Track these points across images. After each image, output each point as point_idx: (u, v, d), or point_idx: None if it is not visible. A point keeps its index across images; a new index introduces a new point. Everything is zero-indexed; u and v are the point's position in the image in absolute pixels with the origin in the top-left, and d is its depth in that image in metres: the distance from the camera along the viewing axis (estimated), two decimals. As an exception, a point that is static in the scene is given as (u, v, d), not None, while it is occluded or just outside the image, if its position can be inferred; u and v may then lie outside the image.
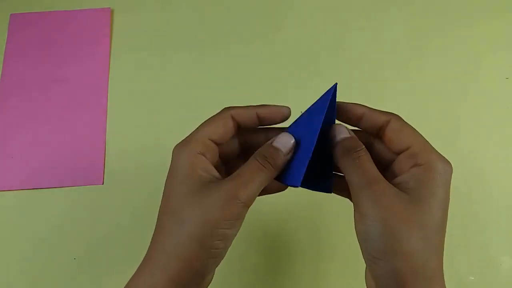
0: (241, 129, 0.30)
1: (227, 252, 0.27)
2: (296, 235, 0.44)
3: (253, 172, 0.27)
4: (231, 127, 0.29)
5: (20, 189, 0.47)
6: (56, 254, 0.44)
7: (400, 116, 0.29)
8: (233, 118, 0.29)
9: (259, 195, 0.27)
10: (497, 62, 0.51)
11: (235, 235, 0.27)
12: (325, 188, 0.30)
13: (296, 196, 0.45)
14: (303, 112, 0.31)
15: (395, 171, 0.28)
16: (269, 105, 0.30)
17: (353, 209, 0.27)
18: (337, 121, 0.30)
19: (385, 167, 0.30)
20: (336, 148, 0.28)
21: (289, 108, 0.30)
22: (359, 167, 0.26)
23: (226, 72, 0.52)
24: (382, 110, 0.29)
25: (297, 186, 0.27)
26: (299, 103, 0.34)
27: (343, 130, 0.28)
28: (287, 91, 0.50)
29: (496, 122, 0.49)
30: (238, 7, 0.55)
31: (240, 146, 0.32)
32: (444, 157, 0.27)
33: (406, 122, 0.28)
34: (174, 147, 0.28)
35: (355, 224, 0.26)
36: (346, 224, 0.44)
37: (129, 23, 0.55)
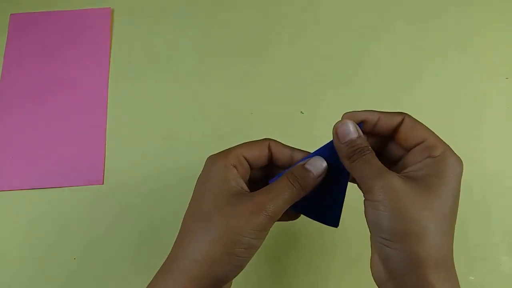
0: (273, 162, 0.31)
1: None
2: (296, 235, 0.44)
3: (283, 189, 0.28)
4: (266, 154, 0.31)
5: (20, 189, 0.47)
6: (56, 254, 0.44)
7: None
8: (269, 148, 0.31)
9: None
10: (497, 62, 0.51)
11: (259, 246, 0.27)
12: (333, 221, 0.31)
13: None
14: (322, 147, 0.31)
15: (406, 163, 0.29)
16: (304, 151, 0.31)
17: (362, 199, 0.27)
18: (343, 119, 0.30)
19: (394, 163, 0.30)
20: (343, 148, 0.28)
21: (326, 163, 0.30)
22: (366, 162, 0.27)
23: (228, 73, 0.52)
24: (392, 112, 0.30)
25: (335, 227, 0.31)
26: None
27: (350, 129, 0.28)
28: (287, 88, 0.50)
29: (496, 122, 0.49)
30: (240, 8, 0.55)
31: (265, 178, 0.33)
32: (456, 154, 0.27)
33: (417, 120, 0.29)
34: (209, 157, 0.30)
35: (365, 211, 0.27)
36: (346, 224, 0.44)
37: (129, 23, 0.55)
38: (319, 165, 0.29)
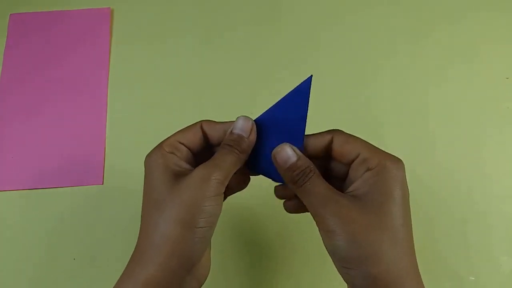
0: (210, 142, 0.31)
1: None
2: (296, 235, 0.44)
3: (223, 157, 0.28)
4: (200, 136, 0.30)
5: (20, 189, 0.47)
6: (56, 254, 0.44)
7: (343, 130, 0.29)
8: (202, 129, 0.31)
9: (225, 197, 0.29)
10: (497, 62, 0.51)
11: (217, 214, 0.27)
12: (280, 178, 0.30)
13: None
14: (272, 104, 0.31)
15: (350, 179, 0.29)
16: (234, 121, 0.31)
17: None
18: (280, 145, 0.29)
19: (342, 179, 0.30)
20: (286, 174, 0.28)
21: (254, 122, 0.30)
22: (311, 188, 0.27)
23: (226, 73, 0.52)
24: (321, 132, 0.29)
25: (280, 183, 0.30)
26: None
27: (288, 153, 0.28)
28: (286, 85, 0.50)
29: (496, 122, 0.48)
30: (241, 9, 0.55)
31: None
32: (393, 156, 0.27)
33: (349, 134, 0.29)
34: (145, 157, 0.30)
35: (322, 239, 0.27)
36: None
37: (129, 22, 0.55)
38: (245, 124, 0.29)
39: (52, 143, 0.49)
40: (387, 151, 0.28)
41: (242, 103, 0.50)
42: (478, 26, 0.53)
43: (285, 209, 0.32)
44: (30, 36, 0.54)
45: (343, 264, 0.26)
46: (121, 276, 0.28)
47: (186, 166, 0.29)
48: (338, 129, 0.29)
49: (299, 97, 0.29)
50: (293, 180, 0.27)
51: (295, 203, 0.31)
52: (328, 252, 0.27)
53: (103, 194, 0.46)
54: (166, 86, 0.51)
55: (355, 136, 0.29)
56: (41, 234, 0.45)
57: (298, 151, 0.28)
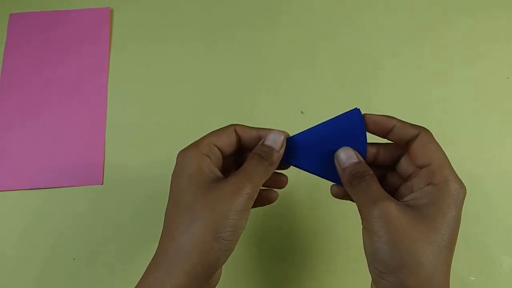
0: (242, 146, 0.32)
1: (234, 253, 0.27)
2: (296, 236, 0.44)
3: (254, 168, 0.29)
4: (234, 140, 0.31)
5: (20, 189, 0.47)
6: (56, 254, 0.44)
7: (430, 131, 0.29)
8: (236, 132, 0.31)
9: (252, 207, 0.29)
10: (497, 62, 0.51)
11: (243, 227, 0.28)
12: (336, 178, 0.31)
13: (297, 196, 0.45)
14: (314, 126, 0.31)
15: (412, 187, 0.29)
16: (269, 129, 0.32)
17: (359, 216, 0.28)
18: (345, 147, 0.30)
19: (393, 191, 0.31)
20: (344, 173, 0.29)
21: (288, 134, 0.32)
22: (365, 188, 0.28)
23: (226, 73, 0.52)
24: (412, 123, 0.30)
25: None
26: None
27: (351, 154, 0.30)
28: (287, 88, 0.50)
29: (497, 122, 0.48)
30: (241, 10, 0.55)
31: (237, 163, 0.34)
32: (460, 179, 0.27)
33: (433, 138, 0.29)
34: (179, 152, 0.30)
35: (363, 240, 0.27)
36: (347, 224, 0.44)
37: (129, 22, 0.55)
38: (277, 138, 0.30)
39: (52, 143, 0.48)
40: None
41: (242, 104, 0.50)
42: (478, 27, 0.53)
43: (333, 193, 0.33)
44: (30, 36, 0.54)
45: (380, 268, 0.26)
46: (143, 280, 0.28)
47: (217, 173, 0.30)
48: (425, 128, 0.29)
49: (353, 124, 0.30)
50: (349, 179, 0.29)
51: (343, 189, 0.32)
52: (366, 254, 0.27)
53: (103, 194, 0.46)
54: (166, 86, 0.51)
55: (436, 142, 0.29)
56: (41, 234, 0.45)
57: (359, 155, 0.30)
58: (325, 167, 0.31)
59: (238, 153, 0.33)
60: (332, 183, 0.32)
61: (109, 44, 0.53)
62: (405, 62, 0.52)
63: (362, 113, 0.30)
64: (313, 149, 0.31)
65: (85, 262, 0.44)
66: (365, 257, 0.27)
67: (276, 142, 0.30)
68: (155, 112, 0.50)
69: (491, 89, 0.50)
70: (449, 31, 0.53)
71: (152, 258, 0.28)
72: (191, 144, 0.30)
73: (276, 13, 0.55)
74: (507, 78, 0.51)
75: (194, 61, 0.52)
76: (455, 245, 0.26)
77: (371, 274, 0.27)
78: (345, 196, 0.32)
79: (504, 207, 0.45)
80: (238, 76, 0.52)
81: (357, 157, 0.29)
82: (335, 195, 0.33)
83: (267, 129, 0.31)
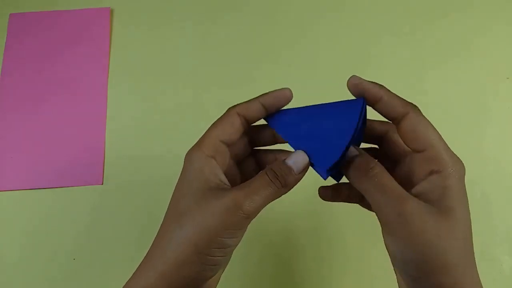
0: (249, 126, 0.30)
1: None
2: (297, 236, 0.44)
3: (261, 186, 0.26)
4: (239, 125, 0.28)
5: (20, 189, 0.47)
6: (56, 254, 0.44)
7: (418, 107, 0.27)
8: (239, 115, 0.28)
9: None
10: (497, 62, 0.51)
11: (236, 245, 0.26)
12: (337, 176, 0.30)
13: (298, 196, 0.45)
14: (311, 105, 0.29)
15: (412, 176, 0.27)
16: (270, 92, 0.29)
17: (377, 223, 0.26)
18: None
19: (397, 161, 0.29)
20: (349, 170, 0.27)
21: (290, 89, 0.29)
22: (379, 186, 0.25)
23: (228, 74, 0.52)
24: (400, 98, 0.28)
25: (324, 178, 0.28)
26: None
27: (351, 149, 0.27)
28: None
29: (497, 122, 0.48)
30: (242, 11, 0.55)
31: (250, 145, 0.31)
32: (456, 157, 0.26)
33: (423, 116, 0.27)
34: (187, 152, 0.28)
35: (386, 246, 0.26)
36: (348, 224, 0.44)
37: (128, 22, 0.55)
38: (300, 160, 0.27)
39: (52, 143, 0.48)
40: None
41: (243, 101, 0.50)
42: (478, 26, 0.53)
43: (321, 195, 0.32)
44: (30, 36, 0.54)
45: (410, 271, 0.25)
46: (126, 283, 0.27)
47: (221, 176, 0.27)
48: (415, 106, 0.27)
49: (351, 111, 0.28)
50: (358, 173, 0.26)
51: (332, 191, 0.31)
52: (391, 258, 0.26)
53: (103, 194, 0.46)
54: (166, 86, 0.51)
55: (426, 121, 0.27)
56: (41, 234, 0.45)
57: (360, 150, 0.27)
58: (308, 144, 0.27)
59: (247, 132, 0.30)
60: (320, 186, 0.31)
61: (109, 44, 0.53)
62: (403, 63, 0.52)
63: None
64: (304, 124, 0.28)
65: (85, 262, 0.44)
66: (390, 262, 0.26)
67: (297, 164, 0.27)
68: (155, 111, 0.50)
69: (491, 89, 0.50)
70: (448, 30, 0.53)
71: (142, 260, 0.28)
72: (195, 144, 0.28)
73: (279, 15, 0.55)
74: (507, 78, 0.51)
75: (194, 61, 0.52)
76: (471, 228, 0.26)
77: (403, 279, 0.26)
78: (334, 197, 0.31)
79: (504, 207, 0.45)
80: (238, 75, 0.52)
81: (358, 150, 0.27)
82: (323, 198, 0.31)
83: (266, 93, 0.29)
